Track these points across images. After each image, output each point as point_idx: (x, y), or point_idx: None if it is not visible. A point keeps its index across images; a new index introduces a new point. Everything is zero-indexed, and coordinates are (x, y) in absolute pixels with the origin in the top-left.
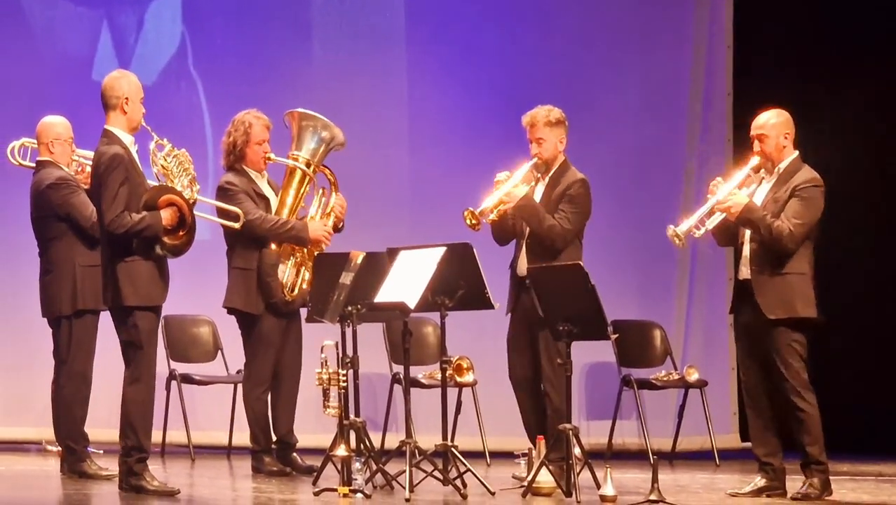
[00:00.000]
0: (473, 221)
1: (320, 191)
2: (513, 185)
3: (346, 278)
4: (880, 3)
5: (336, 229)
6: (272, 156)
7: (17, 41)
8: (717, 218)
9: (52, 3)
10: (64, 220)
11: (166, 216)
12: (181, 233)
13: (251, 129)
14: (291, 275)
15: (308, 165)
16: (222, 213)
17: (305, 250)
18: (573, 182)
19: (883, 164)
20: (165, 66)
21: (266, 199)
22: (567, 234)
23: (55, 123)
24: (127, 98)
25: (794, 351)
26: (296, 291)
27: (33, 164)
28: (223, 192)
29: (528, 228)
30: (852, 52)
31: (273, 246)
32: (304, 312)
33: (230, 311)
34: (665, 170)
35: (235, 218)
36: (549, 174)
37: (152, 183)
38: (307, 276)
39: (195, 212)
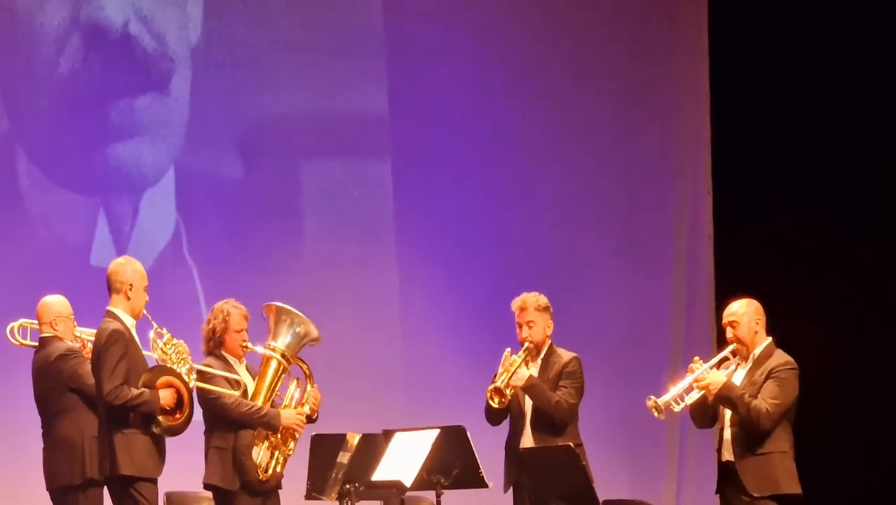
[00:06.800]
0: (502, 400)
1: (295, 381)
2: (518, 366)
3: (344, 458)
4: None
5: (310, 420)
6: (249, 344)
7: (17, 226)
8: (696, 395)
9: (48, 190)
10: (74, 392)
11: (165, 396)
12: (178, 415)
13: (229, 318)
14: (266, 457)
15: (283, 357)
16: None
17: (279, 435)
18: (569, 360)
19: (861, 354)
20: (161, 253)
21: (242, 386)
22: (572, 408)
23: (55, 302)
24: (131, 284)
25: None
26: (269, 471)
27: (35, 344)
28: (200, 375)
29: (527, 407)
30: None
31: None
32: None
33: (207, 486)
34: (651, 355)
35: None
36: (540, 357)
37: (151, 363)
38: (281, 459)
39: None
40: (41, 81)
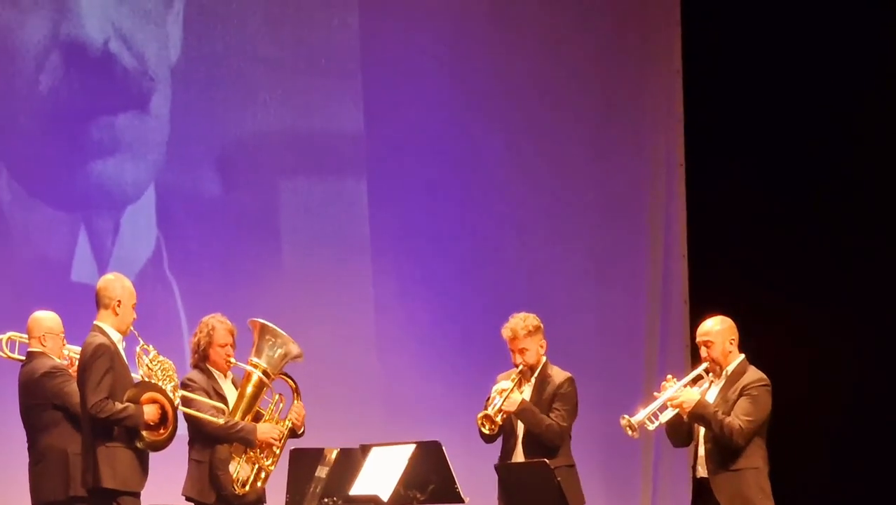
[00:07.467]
0: (492, 426)
1: (276, 396)
2: (511, 391)
3: (322, 472)
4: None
5: (295, 434)
6: (233, 359)
7: None
8: (670, 413)
9: (30, 206)
10: (58, 409)
11: (149, 412)
12: (162, 430)
13: (214, 332)
14: (245, 471)
15: (265, 373)
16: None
17: (259, 450)
18: (563, 381)
19: (833, 370)
20: (142, 269)
21: (225, 399)
22: (564, 431)
23: (46, 318)
24: (119, 301)
25: None
26: (247, 487)
27: (22, 357)
28: (183, 387)
29: (519, 428)
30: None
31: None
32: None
33: (187, 499)
34: (626, 373)
35: (220, 413)
36: (534, 376)
37: (136, 378)
38: (263, 474)
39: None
40: (21, 98)
